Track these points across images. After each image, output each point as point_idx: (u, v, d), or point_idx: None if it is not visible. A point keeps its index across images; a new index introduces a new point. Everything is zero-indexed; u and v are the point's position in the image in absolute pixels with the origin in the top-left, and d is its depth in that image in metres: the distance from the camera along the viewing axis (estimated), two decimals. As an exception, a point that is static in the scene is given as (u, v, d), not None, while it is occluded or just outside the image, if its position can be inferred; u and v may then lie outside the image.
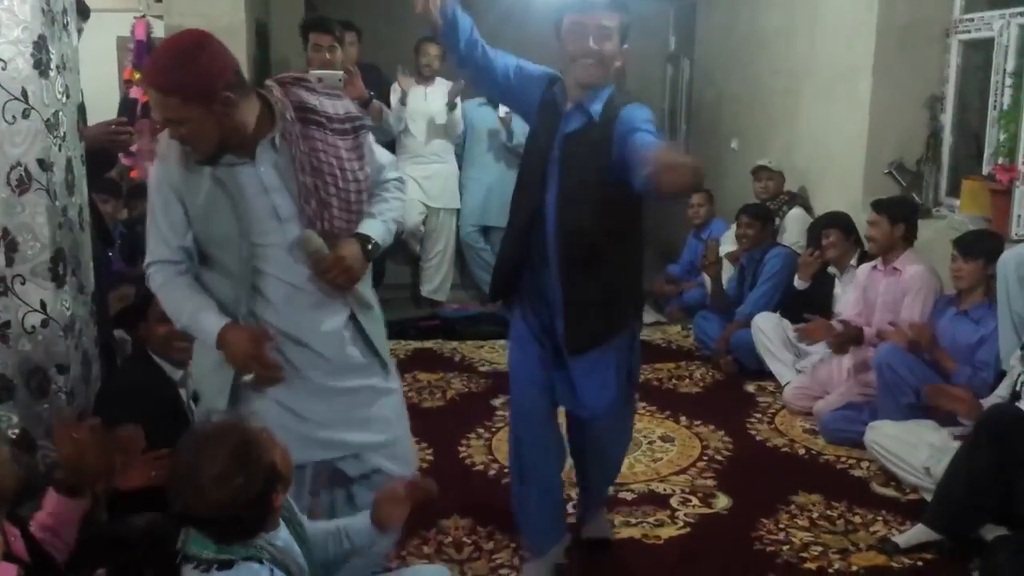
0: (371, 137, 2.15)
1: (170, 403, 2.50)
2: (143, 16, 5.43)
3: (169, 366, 2.54)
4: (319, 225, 1.98)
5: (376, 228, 2.09)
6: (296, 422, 2.07)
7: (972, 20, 4.35)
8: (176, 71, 1.82)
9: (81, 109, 2.67)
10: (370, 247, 2.05)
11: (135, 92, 5.27)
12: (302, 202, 1.97)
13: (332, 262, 1.98)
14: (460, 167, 5.67)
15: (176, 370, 2.55)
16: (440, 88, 5.32)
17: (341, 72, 3.39)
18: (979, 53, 4.39)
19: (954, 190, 4.45)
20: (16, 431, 2.26)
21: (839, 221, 4.27)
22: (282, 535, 1.78)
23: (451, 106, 5.26)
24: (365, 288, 2.14)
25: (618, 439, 2.74)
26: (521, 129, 5.57)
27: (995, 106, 4.13)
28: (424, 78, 5.39)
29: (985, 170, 4.13)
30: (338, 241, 2.01)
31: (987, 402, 3.03)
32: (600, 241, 2.38)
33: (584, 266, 2.39)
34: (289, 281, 2.03)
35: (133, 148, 5.22)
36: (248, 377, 1.99)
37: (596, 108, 2.34)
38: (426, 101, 5.35)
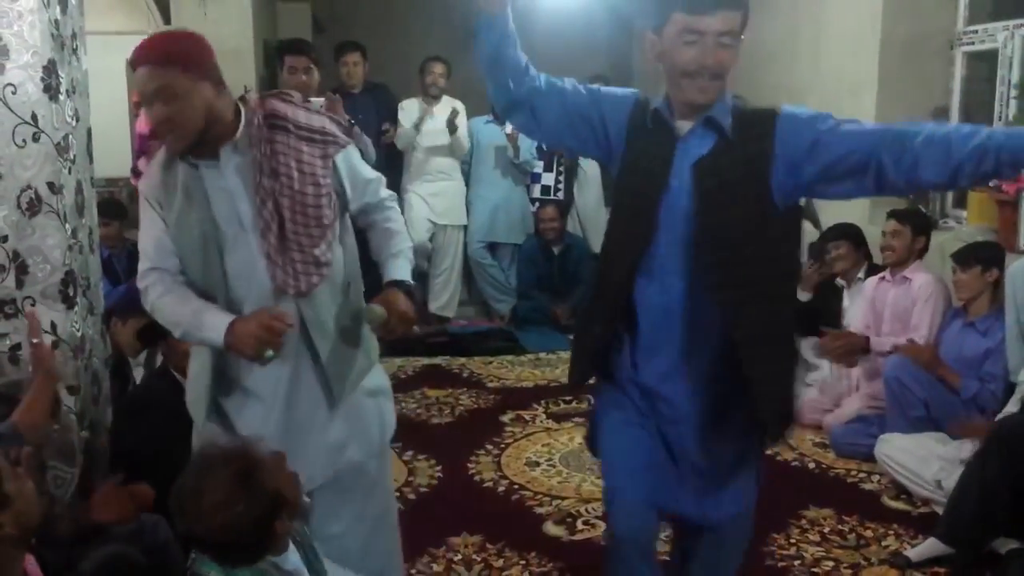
0: (353, 154, 2.11)
1: (187, 420, 2.46)
2: (152, 39, 5.49)
3: None
4: (274, 228, 1.94)
5: (404, 268, 2.13)
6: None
7: (976, 32, 4.36)
8: (176, 43, 1.90)
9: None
10: (410, 290, 2.10)
11: (142, 119, 5.31)
12: (259, 203, 1.94)
13: (394, 321, 2.02)
14: (467, 184, 5.72)
15: None
16: (446, 106, 5.37)
17: (321, 99, 3.87)
18: (983, 65, 4.41)
19: (961, 202, 4.45)
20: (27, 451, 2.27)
21: (849, 233, 4.24)
22: (292, 559, 1.77)
23: (452, 129, 5.30)
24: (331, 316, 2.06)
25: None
26: (528, 146, 5.61)
27: (1000, 117, 4.14)
28: (430, 97, 5.45)
29: (991, 181, 4.13)
30: (386, 299, 2.04)
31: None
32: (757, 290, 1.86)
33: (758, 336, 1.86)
34: (254, 290, 1.98)
35: (142, 168, 5.29)
36: (269, 354, 1.87)
37: (727, 122, 1.87)
38: (433, 120, 5.40)
